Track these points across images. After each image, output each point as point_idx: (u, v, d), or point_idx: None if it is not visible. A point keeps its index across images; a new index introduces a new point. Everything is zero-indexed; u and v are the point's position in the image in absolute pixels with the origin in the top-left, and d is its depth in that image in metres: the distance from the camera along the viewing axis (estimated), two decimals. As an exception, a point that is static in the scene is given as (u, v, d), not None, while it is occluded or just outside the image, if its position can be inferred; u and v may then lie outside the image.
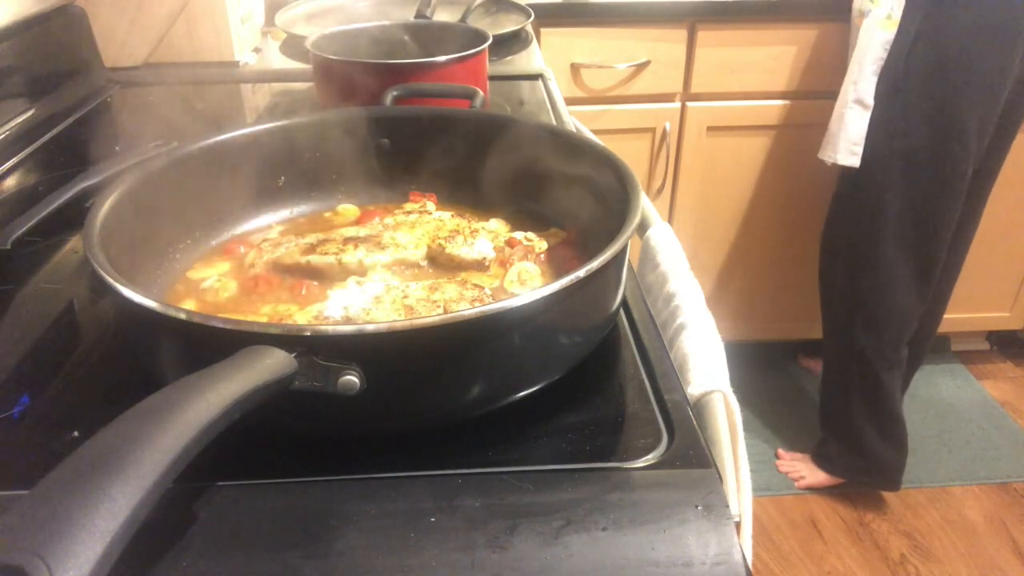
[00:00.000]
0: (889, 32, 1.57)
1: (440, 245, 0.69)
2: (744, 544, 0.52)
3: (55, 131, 1.09)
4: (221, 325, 0.46)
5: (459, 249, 0.69)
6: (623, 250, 0.55)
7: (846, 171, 1.73)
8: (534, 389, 0.53)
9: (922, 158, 1.61)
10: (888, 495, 1.96)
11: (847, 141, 1.67)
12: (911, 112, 1.59)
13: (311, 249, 0.68)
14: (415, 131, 0.80)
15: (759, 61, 1.87)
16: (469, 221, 0.74)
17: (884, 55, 1.59)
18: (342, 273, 0.67)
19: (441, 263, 0.70)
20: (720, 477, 0.49)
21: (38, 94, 1.11)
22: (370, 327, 0.46)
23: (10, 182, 0.95)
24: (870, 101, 1.63)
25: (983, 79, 1.53)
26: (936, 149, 1.59)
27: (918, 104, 1.58)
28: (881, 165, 1.65)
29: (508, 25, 1.53)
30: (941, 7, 1.52)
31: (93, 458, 0.35)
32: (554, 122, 1.13)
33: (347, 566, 0.43)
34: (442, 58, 1.03)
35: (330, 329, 0.45)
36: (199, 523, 0.45)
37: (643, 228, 0.88)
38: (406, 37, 1.22)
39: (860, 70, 1.62)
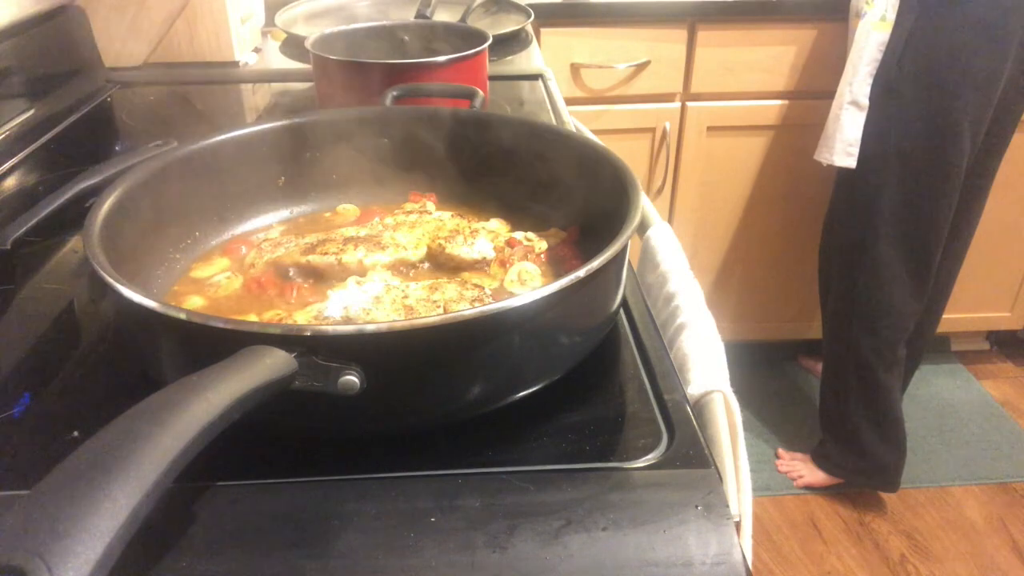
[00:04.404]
0: (884, 33, 1.57)
1: (440, 245, 0.69)
2: (744, 544, 0.52)
3: (55, 131, 1.09)
4: (221, 325, 0.46)
5: (459, 249, 0.69)
6: (623, 250, 0.55)
7: (842, 172, 1.73)
8: (534, 389, 0.53)
9: (916, 158, 1.61)
10: (888, 495, 1.96)
11: (843, 142, 1.67)
12: (905, 112, 1.59)
13: (311, 249, 0.68)
14: (415, 131, 0.80)
15: (759, 61, 1.87)
16: (469, 221, 0.74)
17: (879, 56, 1.59)
18: (342, 273, 0.67)
19: (441, 263, 0.70)
20: (720, 477, 0.49)
21: (38, 94, 1.11)
22: (370, 327, 0.46)
23: (10, 182, 0.95)
24: (865, 102, 1.63)
25: (976, 79, 1.54)
26: (930, 149, 1.60)
27: (912, 104, 1.58)
28: (876, 165, 1.65)
29: (508, 25, 1.53)
30: (934, 8, 1.52)
31: (93, 458, 0.35)
32: (554, 122, 1.13)
33: (347, 566, 0.43)
34: (442, 58, 1.03)
35: (330, 329, 0.45)
36: (199, 523, 0.45)
37: (643, 228, 0.88)
38: (406, 37, 1.22)
39: (855, 71, 1.62)
